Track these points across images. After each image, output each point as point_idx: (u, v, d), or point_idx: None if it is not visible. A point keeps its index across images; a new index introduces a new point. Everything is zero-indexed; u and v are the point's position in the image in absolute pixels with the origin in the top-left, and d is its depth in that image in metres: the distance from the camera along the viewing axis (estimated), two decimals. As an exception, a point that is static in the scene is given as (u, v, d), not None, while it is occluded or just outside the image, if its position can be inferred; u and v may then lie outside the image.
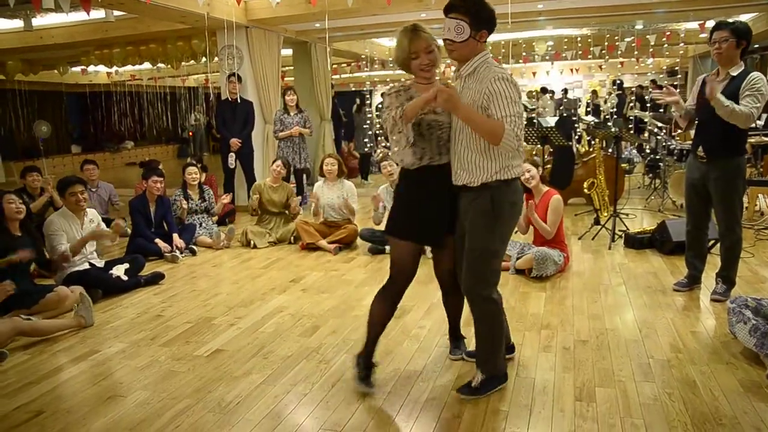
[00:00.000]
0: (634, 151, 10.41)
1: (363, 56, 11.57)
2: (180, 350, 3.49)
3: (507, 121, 2.49)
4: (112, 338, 3.73)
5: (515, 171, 2.66)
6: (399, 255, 2.84)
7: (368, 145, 10.46)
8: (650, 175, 8.32)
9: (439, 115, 2.72)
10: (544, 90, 14.84)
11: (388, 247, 5.53)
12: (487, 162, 2.62)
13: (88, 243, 4.67)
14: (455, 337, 3.29)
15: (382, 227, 5.88)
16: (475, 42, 2.59)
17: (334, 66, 12.70)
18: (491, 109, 2.52)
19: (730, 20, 3.79)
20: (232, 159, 7.41)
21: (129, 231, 5.97)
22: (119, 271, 4.76)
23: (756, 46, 11.60)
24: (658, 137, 7.93)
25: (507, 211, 2.67)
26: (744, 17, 9.78)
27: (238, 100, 7.46)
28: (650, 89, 3.62)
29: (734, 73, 3.72)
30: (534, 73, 16.63)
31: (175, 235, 5.78)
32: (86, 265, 4.65)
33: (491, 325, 2.77)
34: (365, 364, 2.93)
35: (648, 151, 8.68)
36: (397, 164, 5.16)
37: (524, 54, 12.32)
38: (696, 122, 3.98)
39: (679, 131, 6.04)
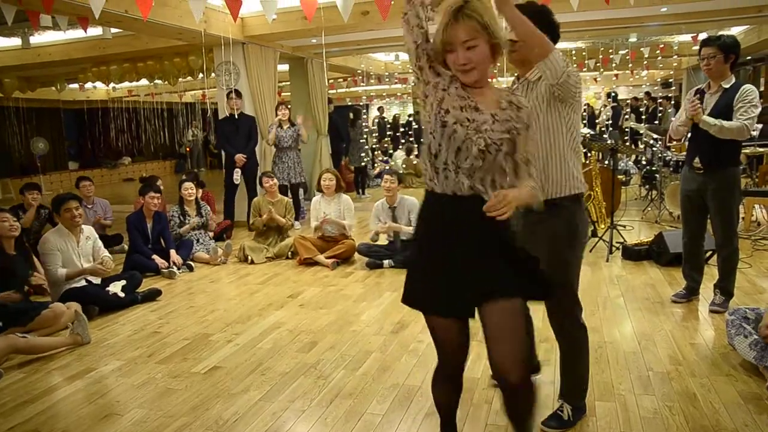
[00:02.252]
0: (631, 162, 10.45)
1: (359, 71, 11.63)
2: (177, 367, 3.46)
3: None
4: (108, 356, 3.70)
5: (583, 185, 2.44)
6: (434, 333, 2.13)
7: (364, 160, 10.47)
8: (647, 186, 8.34)
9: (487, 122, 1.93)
10: None
11: (386, 262, 5.54)
12: (557, 171, 2.41)
13: (82, 258, 4.63)
14: None
15: (378, 241, 5.90)
16: None
17: (331, 81, 12.76)
18: (566, 99, 2.36)
19: (717, 35, 3.83)
20: (237, 174, 7.41)
21: (126, 247, 5.95)
22: (116, 287, 4.74)
23: (748, 57, 11.69)
24: (654, 149, 7.97)
25: (585, 228, 2.50)
26: (735, 30, 9.89)
27: (238, 117, 7.48)
28: (684, 99, 3.66)
29: (726, 86, 3.76)
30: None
31: (173, 251, 5.77)
32: (83, 282, 4.63)
33: (580, 355, 2.62)
34: None
35: (644, 162, 8.71)
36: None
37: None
38: (689, 134, 4.00)
39: (675, 143, 6.07)
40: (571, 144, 2.45)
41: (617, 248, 5.65)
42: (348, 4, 5.43)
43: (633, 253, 5.41)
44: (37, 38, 8.62)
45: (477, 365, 3.28)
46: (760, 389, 2.85)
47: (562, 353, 2.67)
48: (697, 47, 3.96)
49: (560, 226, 2.40)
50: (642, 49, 10.33)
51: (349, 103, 16.02)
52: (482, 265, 1.95)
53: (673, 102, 13.23)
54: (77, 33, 7.98)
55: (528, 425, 2.06)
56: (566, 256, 2.43)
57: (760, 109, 3.71)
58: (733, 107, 3.68)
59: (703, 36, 9.99)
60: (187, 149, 17.14)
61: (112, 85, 11.92)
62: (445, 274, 1.98)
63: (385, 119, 15.36)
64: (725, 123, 3.64)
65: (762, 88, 13.15)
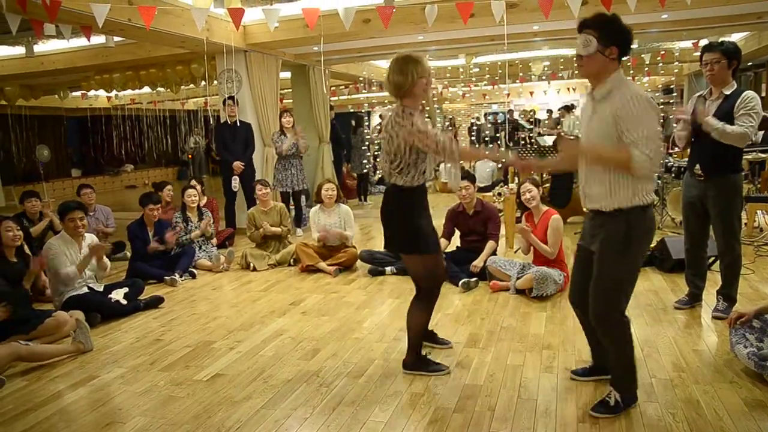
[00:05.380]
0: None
1: (361, 78, 11.67)
2: (179, 375, 3.46)
3: (636, 146, 2.41)
4: (110, 363, 3.71)
5: (648, 197, 2.57)
6: (435, 266, 3.18)
7: (366, 167, 10.48)
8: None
9: None
10: (568, 108, 13.75)
11: (388, 269, 5.54)
12: (617, 187, 2.55)
13: (89, 262, 4.64)
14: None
15: (379, 247, 5.89)
16: (603, 57, 2.52)
17: (333, 88, 12.80)
18: (625, 134, 2.45)
19: (720, 41, 3.85)
20: (235, 182, 7.44)
21: (128, 254, 5.96)
22: (118, 295, 4.75)
23: (749, 64, 11.72)
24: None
25: (641, 238, 2.61)
26: (735, 36, 9.91)
27: (237, 123, 7.51)
28: (673, 109, 3.68)
29: (727, 92, 3.77)
30: (531, 93, 16.76)
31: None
32: (85, 289, 4.64)
33: (623, 347, 2.74)
34: (418, 359, 3.29)
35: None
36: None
37: (521, 74, 12.44)
38: (692, 140, 4.01)
39: (677, 149, 6.07)
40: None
41: (619, 255, 5.63)
42: (350, 12, 5.46)
43: (635, 260, 5.40)
44: (41, 47, 8.67)
45: (480, 372, 3.29)
46: (764, 396, 2.84)
47: (606, 345, 2.78)
48: (698, 53, 3.99)
49: (617, 230, 2.60)
50: (643, 55, 10.36)
51: (351, 110, 16.08)
52: None
53: (674, 108, 13.23)
54: (80, 41, 8.02)
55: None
56: (619, 253, 2.62)
57: (761, 116, 3.72)
58: (734, 113, 3.69)
59: (704, 42, 10.03)
60: (189, 156, 17.18)
61: (114, 92, 11.94)
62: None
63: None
64: (728, 127, 3.64)
65: (763, 94, 13.15)
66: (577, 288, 2.89)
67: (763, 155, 7.32)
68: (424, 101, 3.09)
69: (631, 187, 2.53)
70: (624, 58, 2.60)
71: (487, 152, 3.27)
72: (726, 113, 3.72)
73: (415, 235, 3.08)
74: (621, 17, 2.56)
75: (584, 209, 2.79)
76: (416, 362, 3.31)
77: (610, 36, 2.51)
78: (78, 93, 13.22)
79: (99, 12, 5.05)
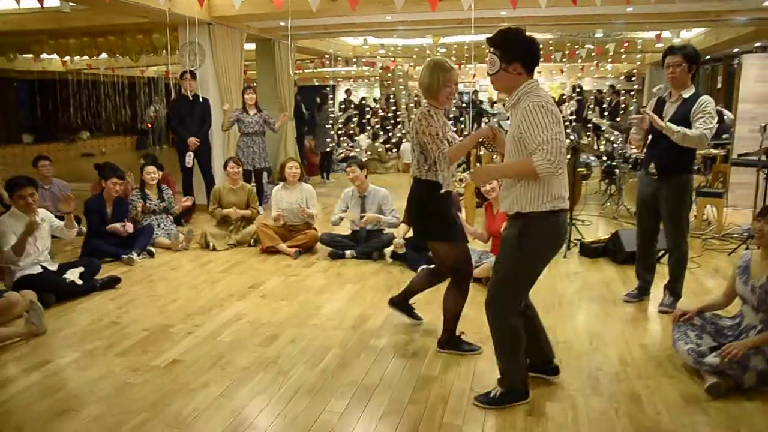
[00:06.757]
0: (592, 156, 10.67)
1: (327, 54, 11.51)
2: (136, 360, 3.45)
3: (537, 151, 2.54)
4: (65, 347, 3.66)
5: (548, 205, 2.68)
6: (465, 254, 3.44)
7: (330, 145, 10.43)
8: (606, 180, 8.55)
9: None
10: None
11: (348, 252, 5.57)
12: (520, 193, 2.71)
13: (38, 241, 4.52)
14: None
15: (340, 231, 5.92)
16: (507, 74, 2.67)
17: (298, 62, 12.60)
18: (526, 141, 2.60)
19: (682, 45, 3.97)
20: (189, 158, 7.28)
21: (84, 230, 5.83)
22: (73, 275, 4.65)
23: (707, 57, 12.03)
24: (615, 145, 8.16)
25: (536, 242, 2.75)
26: (695, 31, 10.16)
27: (192, 98, 7.29)
28: (630, 119, 3.80)
29: (686, 96, 3.91)
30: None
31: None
32: (38, 269, 4.53)
33: (508, 342, 2.85)
34: (452, 339, 3.53)
35: (605, 158, 8.91)
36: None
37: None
38: (649, 141, 4.13)
39: (634, 149, 6.26)
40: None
41: (575, 245, 5.80)
42: (317, -7, 5.36)
43: (590, 251, 5.57)
44: (-11, 6, 8.25)
45: (434, 363, 3.38)
46: (699, 391, 3.00)
47: (492, 336, 2.93)
48: (661, 45, 4.12)
49: (512, 234, 2.79)
50: (607, 46, 10.52)
51: (316, 84, 15.86)
52: None
53: (635, 98, 13.53)
54: (32, 2, 7.65)
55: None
56: (512, 256, 2.80)
57: (717, 118, 3.87)
58: (691, 117, 3.83)
59: (666, 34, 10.25)
60: (149, 125, 16.75)
61: (68, 57, 11.48)
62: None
63: (352, 102, 15.27)
64: (687, 131, 3.78)
65: (719, 86, 13.57)
66: None
67: (715, 151, 7.58)
68: (447, 105, 3.41)
69: (534, 194, 2.68)
70: (536, 69, 2.73)
71: (467, 140, 3.39)
72: (684, 116, 3.88)
73: (447, 225, 3.36)
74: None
75: None
76: (450, 341, 3.52)
77: (511, 53, 2.65)
78: (29, 55, 12.67)
79: (55, -20, 4.85)
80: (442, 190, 3.31)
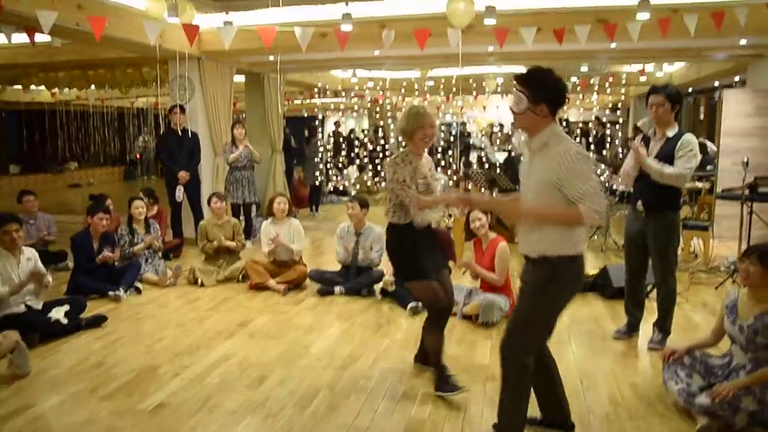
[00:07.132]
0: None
1: (316, 87, 11.61)
2: (122, 404, 3.38)
3: (582, 201, 2.49)
4: (48, 390, 3.58)
5: (576, 248, 2.64)
6: (433, 289, 3.43)
7: (319, 178, 10.45)
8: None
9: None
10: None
11: (337, 289, 5.54)
12: (547, 234, 2.62)
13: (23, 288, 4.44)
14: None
15: (329, 267, 5.89)
16: (533, 115, 2.60)
17: (287, 93, 12.69)
18: (565, 188, 2.53)
19: (664, 84, 4.07)
20: (180, 192, 7.26)
21: (70, 265, 5.77)
22: (59, 313, 4.56)
23: (690, 90, 12.28)
24: (602, 178, 8.25)
25: (564, 288, 2.71)
26: (678, 65, 10.39)
27: (182, 132, 7.30)
28: (630, 139, 3.88)
29: (670, 134, 3.98)
30: (484, 107, 17.00)
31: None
32: (22, 307, 4.45)
33: (516, 390, 2.74)
34: (442, 375, 3.45)
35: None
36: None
37: (474, 92, 12.64)
38: (636, 179, 4.19)
39: (623, 185, 6.33)
40: None
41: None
42: (306, 33, 5.45)
43: (578, 285, 5.58)
44: (-21, 41, 8.26)
45: (425, 405, 3.34)
46: (690, 430, 2.99)
47: (501, 381, 2.79)
48: (644, 78, 4.22)
49: (539, 277, 2.70)
50: (592, 80, 10.72)
51: (305, 115, 15.96)
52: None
53: (619, 131, 13.72)
54: (23, 37, 7.69)
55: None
56: (536, 298, 2.74)
57: (699, 158, 3.96)
58: (674, 155, 3.90)
59: (649, 68, 10.47)
60: (138, 156, 16.73)
61: (56, 89, 11.50)
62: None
63: (341, 134, 15.35)
64: (666, 169, 3.86)
65: (702, 117, 13.82)
66: None
67: (700, 184, 7.68)
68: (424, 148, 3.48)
69: (560, 238, 2.60)
70: (560, 108, 2.68)
71: (439, 198, 3.43)
72: (668, 154, 3.95)
73: (410, 264, 3.46)
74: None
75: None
76: (437, 381, 3.49)
77: (540, 94, 2.58)
78: (18, 86, 12.67)
79: (45, 19, 4.88)
80: (405, 222, 3.41)
